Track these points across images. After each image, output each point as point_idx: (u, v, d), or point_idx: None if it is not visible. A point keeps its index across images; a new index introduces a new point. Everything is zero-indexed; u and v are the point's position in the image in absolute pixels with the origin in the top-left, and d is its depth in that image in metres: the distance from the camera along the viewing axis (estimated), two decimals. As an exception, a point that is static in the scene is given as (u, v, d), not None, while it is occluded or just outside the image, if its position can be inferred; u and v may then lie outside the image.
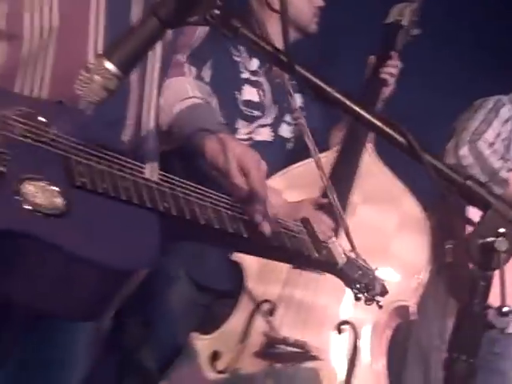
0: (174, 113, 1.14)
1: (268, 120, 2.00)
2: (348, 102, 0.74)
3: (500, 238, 0.68)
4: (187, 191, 0.95)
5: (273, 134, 2.00)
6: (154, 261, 0.86)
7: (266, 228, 1.01)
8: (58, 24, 0.97)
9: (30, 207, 0.78)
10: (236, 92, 1.92)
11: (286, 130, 2.02)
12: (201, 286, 1.92)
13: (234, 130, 1.94)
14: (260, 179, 1.01)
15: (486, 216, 0.71)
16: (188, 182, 0.96)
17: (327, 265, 1.11)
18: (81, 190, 0.84)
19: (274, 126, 2.00)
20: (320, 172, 1.12)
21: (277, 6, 2.05)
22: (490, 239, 0.69)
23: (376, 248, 1.74)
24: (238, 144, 1.08)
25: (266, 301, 1.70)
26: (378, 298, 1.18)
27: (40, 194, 0.79)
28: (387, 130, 0.73)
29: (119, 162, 0.90)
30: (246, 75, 1.96)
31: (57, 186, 0.81)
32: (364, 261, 1.17)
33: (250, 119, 1.97)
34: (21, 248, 0.76)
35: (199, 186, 0.98)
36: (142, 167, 0.94)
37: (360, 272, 1.14)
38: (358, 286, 1.14)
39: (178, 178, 0.96)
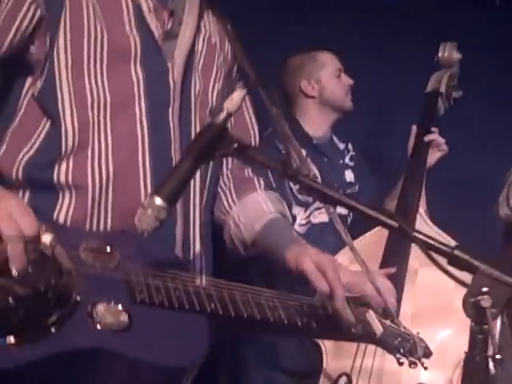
0: (256, 231, 1.33)
1: None
2: (344, 199, 0.91)
3: (484, 296, 0.81)
4: (232, 291, 1.13)
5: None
6: (203, 355, 1.04)
7: (348, 316, 1.16)
8: (113, 171, 1.21)
9: (100, 327, 0.98)
10: (290, 182, 2.11)
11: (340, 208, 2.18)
12: (284, 370, 2.06)
13: (292, 218, 2.12)
14: (336, 276, 1.18)
15: (474, 278, 0.84)
16: (233, 283, 1.14)
17: (367, 336, 1.23)
18: (141, 304, 1.03)
19: (326, 206, 2.15)
20: (355, 256, 1.28)
21: (311, 93, 2.33)
22: (478, 298, 0.82)
23: (441, 307, 1.83)
24: (313, 250, 1.25)
25: (343, 374, 1.81)
26: (423, 359, 1.26)
27: (108, 313, 0.99)
28: (380, 216, 0.89)
29: (172, 276, 1.10)
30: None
31: (121, 305, 1.01)
32: (404, 327, 1.28)
33: (306, 204, 2.15)
34: (96, 360, 0.96)
35: (241, 284, 1.15)
36: (192, 276, 1.14)
37: (399, 339, 1.24)
38: (400, 351, 1.24)
39: (223, 281, 1.14)
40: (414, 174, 2.14)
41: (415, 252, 1.95)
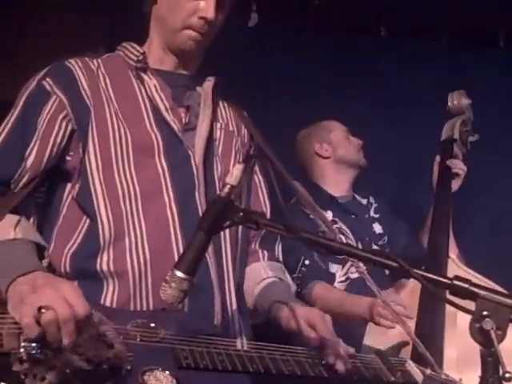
0: (255, 294, 1.45)
1: None
2: (347, 248, 0.98)
3: (486, 319, 0.85)
4: (271, 352, 1.20)
5: (365, 267, 2.19)
6: None
7: (340, 367, 1.23)
8: (149, 256, 1.30)
9: None
10: None
11: None
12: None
13: (331, 276, 2.17)
14: (326, 328, 1.27)
15: (476, 304, 0.89)
16: (272, 345, 1.21)
17: None
18: (187, 369, 1.11)
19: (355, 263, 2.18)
20: (390, 309, 1.33)
21: (325, 154, 2.44)
22: (481, 322, 0.86)
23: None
24: (304, 307, 1.36)
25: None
26: None
27: (157, 379, 1.07)
28: (381, 260, 0.95)
29: (214, 342, 1.18)
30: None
31: (168, 371, 1.09)
32: (445, 374, 1.29)
33: (342, 262, 2.19)
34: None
35: (281, 346, 1.23)
36: (233, 341, 1.21)
37: None
38: None
39: (263, 343, 1.21)
40: (440, 222, 2.18)
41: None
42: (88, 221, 1.35)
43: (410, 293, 2.00)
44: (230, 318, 1.37)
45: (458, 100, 2.52)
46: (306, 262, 2.09)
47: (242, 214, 1.06)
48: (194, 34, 1.43)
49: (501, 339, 0.86)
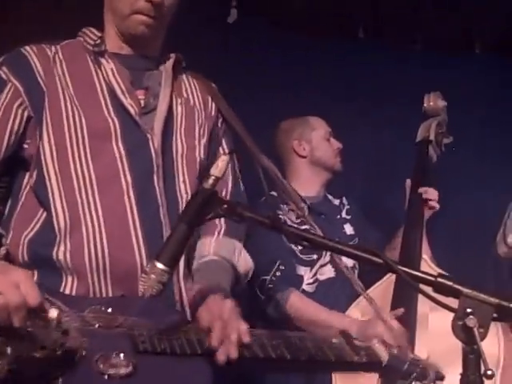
0: (193, 270, 1.39)
1: (326, 258, 2.19)
2: (330, 243, 0.98)
3: (470, 317, 0.86)
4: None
5: (334, 269, 2.18)
6: None
7: (220, 356, 1.13)
8: (107, 245, 1.28)
9: (107, 377, 1.04)
10: (291, 245, 2.15)
11: (346, 260, 2.19)
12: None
13: (299, 278, 2.14)
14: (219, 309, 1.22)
15: (459, 301, 0.89)
16: None
17: (373, 365, 1.24)
18: (144, 354, 1.09)
19: (333, 261, 2.17)
20: (372, 306, 1.32)
21: (302, 153, 2.41)
22: (464, 319, 0.87)
23: (454, 349, 1.82)
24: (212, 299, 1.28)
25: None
26: (437, 382, 1.24)
27: (112, 364, 1.06)
28: (365, 255, 0.95)
29: (173, 327, 1.16)
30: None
31: (125, 355, 1.07)
32: (412, 353, 1.29)
33: (311, 263, 2.16)
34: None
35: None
36: (196, 328, 1.18)
37: (407, 363, 1.23)
38: (411, 376, 1.22)
39: None
40: (413, 223, 2.17)
41: (423, 297, 1.97)
42: (45, 213, 1.32)
43: (382, 293, 1.99)
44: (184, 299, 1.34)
45: (434, 101, 2.53)
46: (281, 267, 2.07)
47: (225, 205, 1.04)
48: (143, 18, 1.41)
49: (483, 337, 0.87)
